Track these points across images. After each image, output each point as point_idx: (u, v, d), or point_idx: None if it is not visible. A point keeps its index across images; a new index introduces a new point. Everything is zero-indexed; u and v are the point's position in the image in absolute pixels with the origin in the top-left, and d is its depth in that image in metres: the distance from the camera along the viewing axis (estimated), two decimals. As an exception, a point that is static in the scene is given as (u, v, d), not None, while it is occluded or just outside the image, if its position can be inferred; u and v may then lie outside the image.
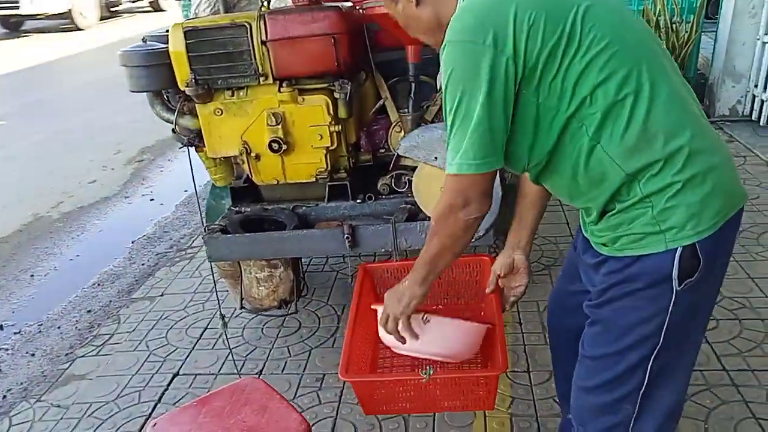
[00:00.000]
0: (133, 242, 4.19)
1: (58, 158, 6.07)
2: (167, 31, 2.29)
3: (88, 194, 5.10)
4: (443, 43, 1.24)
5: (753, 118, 4.94)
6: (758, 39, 4.78)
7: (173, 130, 2.43)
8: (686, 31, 4.90)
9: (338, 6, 2.24)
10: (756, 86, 4.86)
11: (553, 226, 3.67)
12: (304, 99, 2.27)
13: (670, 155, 1.21)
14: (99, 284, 3.69)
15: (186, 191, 4.85)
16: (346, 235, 2.15)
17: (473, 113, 1.20)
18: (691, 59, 5.18)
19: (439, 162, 1.89)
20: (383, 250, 2.20)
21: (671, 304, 1.25)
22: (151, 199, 4.96)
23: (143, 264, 3.87)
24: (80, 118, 7.32)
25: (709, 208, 1.23)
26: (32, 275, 3.91)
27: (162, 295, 3.38)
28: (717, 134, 1.34)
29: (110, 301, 3.45)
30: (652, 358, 1.30)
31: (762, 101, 4.81)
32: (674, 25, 4.90)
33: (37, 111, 7.89)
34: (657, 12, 4.89)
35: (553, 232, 3.60)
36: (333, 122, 2.26)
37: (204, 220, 2.55)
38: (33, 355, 3.05)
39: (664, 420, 1.38)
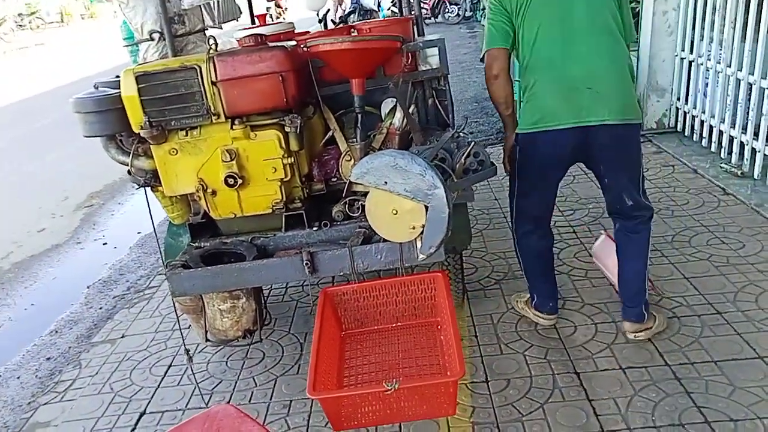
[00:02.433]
0: (88, 287, 4.17)
1: (5, 207, 5.97)
2: (117, 76, 2.37)
3: (38, 242, 5.05)
4: None
5: (678, 129, 5.27)
6: (676, 55, 5.12)
7: (129, 172, 2.49)
8: (611, 52, 5.20)
9: (283, 45, 2.36)
10: (678, 99, 5.19)
11: (502, 242, 3.83)
12: (256, 135, 2.36)
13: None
14: (57, 331, 3.66)
15: (139, 233, 4.85)
16: (305, 262, 2.24)
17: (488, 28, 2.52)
18: (618, 77, 5.47)
19: (389, 186, 2.01)
20: (341, 273, 2.30)
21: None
22: (104, 243, 4.94)
23: (101, 308, 3.85)
24: (22, 168, 7.21)
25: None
26: (-14, 327, 3.85)
27: (123, 337, 3.39)
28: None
29: (70, 347, 3.43)
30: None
31: (685, 113, 5.14)
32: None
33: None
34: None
35: (502, 248, 3.76)
36: (285, 155, 2.37)
37: (163, 259, 2.60)
38: (-7, 407, 3.02)
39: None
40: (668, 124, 5.37)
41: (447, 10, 15.74)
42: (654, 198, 4.14)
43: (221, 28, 3.56)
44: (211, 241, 2.52)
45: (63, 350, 3.41)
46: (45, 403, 2.90)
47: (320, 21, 3.90)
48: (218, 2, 3.31)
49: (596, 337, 2.82)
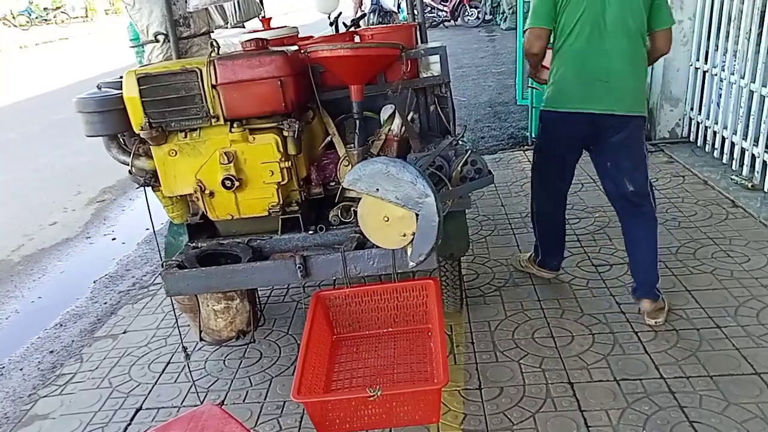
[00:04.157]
0: (95, 282, 4.23)
1: (19, 201, 6.07)
2: (120, 77, 2.40)
3: (49, 236, 5.12)
4: None
5: (691, 139, 5.22)
6: (691, 65, 5.08)
7: (130, 172, 2.53)
8: (624, 60, 5.16)
9: (284, 50, 2.38)
10: (692, 109, 5.14)
11: (505, 249, 3.83)
12: (254, 138, 2.39)
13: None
14: (61, 325, 3.72)
15: (147, 229, 4.90)
16: (298, 265, 2.25)
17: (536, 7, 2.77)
18: (631, 85, 5.44)
19: (380, 193, 2.02)
20: (334, 278, 2.31)
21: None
22: (113, 239, 5.00)
23: (105, 303, 3.90)
24: (39, 161, 7.32)
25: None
26: (-7, 319, 3.92)
27: (125, 333, 3.43)
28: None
29: (73, 340, 3.48)
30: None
31: (698, 124, 5.09)
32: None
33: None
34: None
35: (505, 255, 3.76)
36: (283, 159, 2.39)
37: (162, 257, 2.63)
38: (-5, 398, 3.07)
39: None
40: (681, 134, 5.32)
41: (467, 14, 15.70)
42: (662, 209, 4.10)
43: (243, 27, 3.60)
44: (209, 242, 2.55)
45: (66, 344, 3.46)
46: (45, 396, 2.95)
47: (331, 24, 3.91)
48: (237, 1, 3.35)
49: (593, 347, 2.80)
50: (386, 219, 2.06)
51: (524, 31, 2.91)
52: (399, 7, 16.44)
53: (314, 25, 3.85)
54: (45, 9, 25.81)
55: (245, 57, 2.33)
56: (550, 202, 3.20)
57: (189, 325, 2.99)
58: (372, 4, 15.78)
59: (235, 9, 3.18)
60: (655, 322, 2.90)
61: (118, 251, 4.72)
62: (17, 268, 4.60)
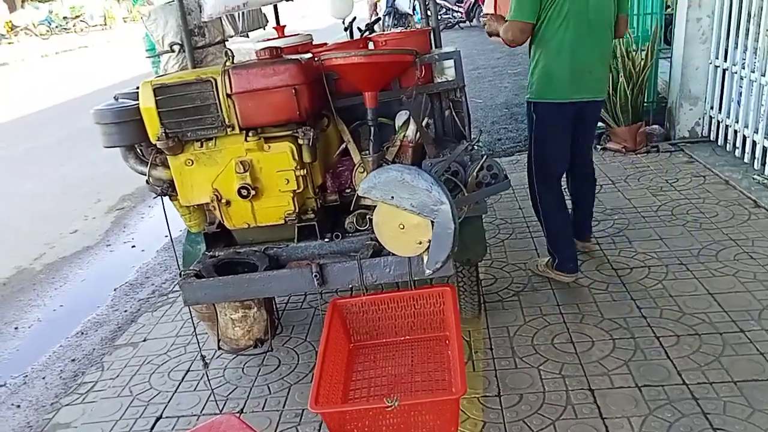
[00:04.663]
0: (115, 289, 4.27)
1: (40, 209, 6.16)
2: (137, 88, 2.42)
3: (70, 244, 5.18)
4: None
5: (711, 138, 5.14)
6: (710, 63, 5.01)
7: (147, 182, 2.54)
8: (642, 59, 5.11)
9: (298, 58, 2.38)
10: (712, 108, 5.07)
11: (523, 252, 3.80)
12: (270, 146, 2.40)
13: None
14: (83, 333, 3.75)
15: (166, 236, 4.92)
16: (314, 274, 2.25)
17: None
18: (648, 85, 5.39)
19: (395, 201, 2.01)
20: (350, 285, 2.31)
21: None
22: (133, 246, 5.05)
23: (126, 311, 3.94)
24: (60, 169, 7.42)
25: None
26: (16, 328, 3.97)
27: (145, 340, 3.46)
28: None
29: (94, 349, 3.51)
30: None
31: (718, 122, 5.01)
32: (630, 54, 5.11)
33: (10, 164, 7.98)
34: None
35: (523, 258, 3.73)
36: (298, 167, 2.39)
37: (180, 266, 2.65)
38: (18, 406, 3.10)
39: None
40: (701, 133, 5.25)
41: (482, 14, 15.65)
42: (682, 210, 4.06)
43: (247, 36, 3.61)
44: (225, 251, 2.56)
45: (87, 352, 3.49)
46: (67, 404, 2.98)
47: (346, 29, 3.92)
48: (242, 12, 3.36)
49: (613, 353, 2.77)
50: (402, 227, 2.05)
51: (506, 23, 2.97)
52: (414, 9, 16.44)
53: (330, 29, 3.87)
54: (64, 18, 26.17)
55: (259, 66, 2.34)
56: (555, 196, 3.29)
57: (207, 334, 3.00)
58: (387, 6, 15.81)
59: (240, 18, 3.19)
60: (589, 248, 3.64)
61: (137, 258, 4.76)
62: (39, 277, 4.66)
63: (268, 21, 3.79)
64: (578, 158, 3.35)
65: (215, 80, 2.34)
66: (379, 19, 4.55)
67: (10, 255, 5.10)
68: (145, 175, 2.51)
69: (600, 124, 5.53)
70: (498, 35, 3.11)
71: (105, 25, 27.65)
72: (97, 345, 3.55)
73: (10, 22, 24.60)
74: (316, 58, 2.48)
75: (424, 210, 1.99)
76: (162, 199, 2.56)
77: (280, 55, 2.47)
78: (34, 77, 16.84)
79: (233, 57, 2.44)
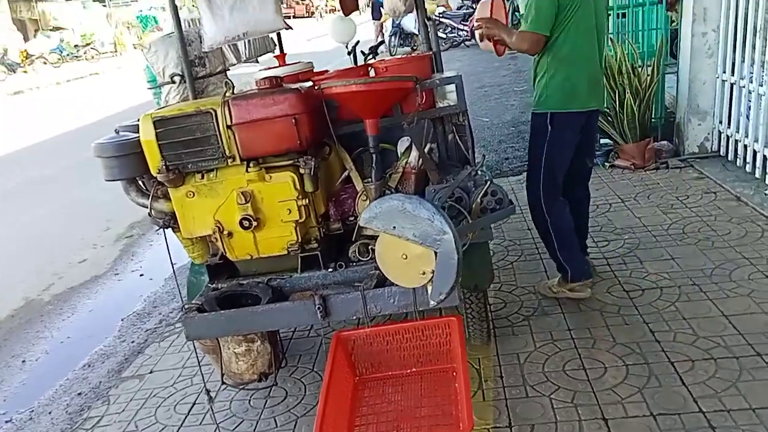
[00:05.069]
0: (123, 320, 4.24)
1: (49, 238, 6.17)
2: (138, 120, 2.41)
3: (78, 274, 5.18)
4: None
5: (721, 153, 5.07)
6: (717, 77, 4.96)
7: (149, 214, 2.53)
8: (648, 75, 5.08)
9: (298, 87, 2.36)
10: (721, 123, 5.01)
11: (533, 275, 3.74)
12: (271, 177, 2.37)
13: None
14: (89, 365, 3.72)
15: (175, 263, 4.91)
16: (317, 306, 2.21)
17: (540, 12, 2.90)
18: (656, 100, 5.34)
19: (397, 231, 1.98)
20: (354, 317, 2.27)
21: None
22: (141, 275, 5.03)
23: (133, 341, 3.91)
24: (70, 197, 7.45)
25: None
26: (23, 361, 3.95)
27: (151, 372, 3.42)
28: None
29: (100, 382, 3.48)
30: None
31: (728, 137, 4.95)
32: (636, 69, 5.07)
33: (24, 191, 8.03)
34: (617, 58, 5.07)
35: (533, 281, 3.67)
36: (300, 196, 2.37)
37: (183, 298, 2.62)
38: (24, 443, 3.07)
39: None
40: (710, 149, 5.19)
41: (471, 18, 15.69)
42: (693, 228, 3.99)
43: (257, 62, 3.61)
44: (228, 283, 2.53)
45: (94, 385, 3.46)
46: (72, 440, 2.94)
47: (349, 53, 3.91)
48: (248, 39, 3.36)
49: (627, 380, 2.70)
50: (404, 257, 2.02)
51: (521, 32, 2.99)
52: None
53: (336, 51, 3.90)
54: (75, 46, 26.55)
55: (259, 96, 2.33)
56: (563, 205, 3.29)
57: (213, 366, 2.96)
58: (393, 27, 15.89)
59: (245, 45, 3.19)
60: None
61: (145, 287, 4.74)
62: (47, 308, 4.65)
63: (276, 45, 3.80)
64: (578, 168, 3.37)
65: (215, 111, 2.32)
66: (382, 42, 4.54)
67: (18, 286, 5.10)
68: (147, 207, 2.49)
69: (607, 140, 5.49)
70: (495, 41, 3.13)
71: (115, 51, 28.00)
72: (104, 377, 3.52)
73: (25, 51, 25.00)
74: (316, 86, 2.46)
75: (426, 240, 1.95)
76: (164, 231, 2.54)
77: (280, 85, 2.46)
78: (46, 105, 17.03)
79: (233, 87, 2.43)
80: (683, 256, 3.67)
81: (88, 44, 26.81)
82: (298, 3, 40.46)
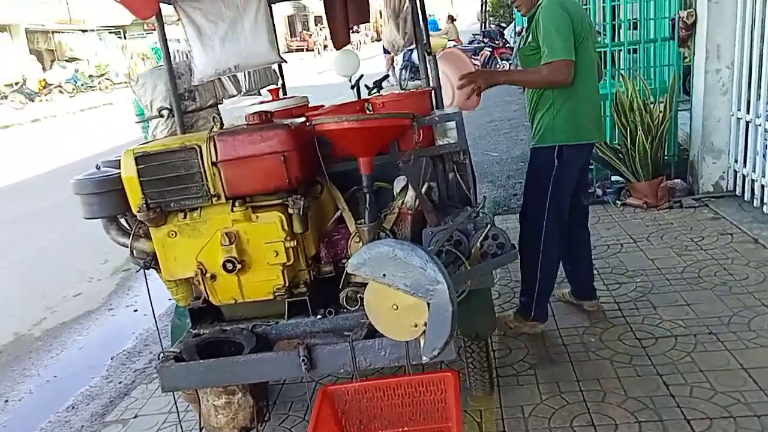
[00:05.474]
0: (112, 358, 4.09)
1: (46, 271, 6.05)
2: (120, 156, 2.29)
3: (72, 308, 5.04)
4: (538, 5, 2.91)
5: (737, 193, 4.89)
6: (732, 115, 4.81)
7: (130, 254, 2.40)
8: (660, 111, 4.94)
9: (288, 123, 2.24)
10: (736, 162, 4.85)
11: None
12: (257, 216, 2.24)
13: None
14: (73, 407, 3.56)
15: (170, 299, 4.76)
16: (301, 358, 2.05)
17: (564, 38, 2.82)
18: (668, 137, 5.20)
19: (387, 280, 1.82)
20: (342, 370, 2.10)
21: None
22: (135, 310, 4.89)
23: (120, 382, 3.75)
24: (70, 227, 7.34)
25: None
26: (6, 401, 3.79)
27: (135, 417, 3.25)
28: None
29: (83, 425, 3.31)
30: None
31: (744, 176, 4.78)
32: (648, 106, 4.93)
33: (28, 221, 7.96)
34: (629, 95, 4.94)
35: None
36: (288, 238, 2.23)
37: (162, 342, 2.46)
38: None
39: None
40: (726, 188, 5.01)
41: (498, 66, 15.70)
42: (709, 272, 3.80)
43: (259, 94, 3.52)
44: (211, 328, 2.37)
45: (75, 429, 3.29)
46: (46, 492, 2.77)
47: (353, 87, 3.81)
48: (252, 70, 3.27)
49: (639, 438, 2.50)
50: (395, 307, 1.86)
51: (549, 63, 2.82)
52: (430, 62, 16.56)
53: (345, 84, 3.86)
54: (90, 76, 26.87)
55: (246, 132, 2.21)
56: (559, 248, 3.22)
57: (195, 415, 2.79)
58: (404, 60, 15.92)
59: (245, 77, 3.09)
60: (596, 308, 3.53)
61: (139, 324, 4.59)
62: (37, 344, 4.50)
63: (279, 77, 3.71)
64: (574, 207, 3.25)
65: (200, 147, 2.20)
66: (387, 76, 4.45)
67: (10, 320, 4.96)
68: (128, 247, 2.36)
69: (619, 178, 5.34)
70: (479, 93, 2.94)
71: (129, 82, 28.30)
72: (87, 421, 3.35)
73: (44, 80, 25.36)
74: (308, 122, 2.33)
75: (418, 290, 1.80)
76: (144, 273, 2.40)
77: (270, 120, 2.34)
78: (60, 133, 17.13)
79: (221, 122, 2.31)
80: (699, 302, 3.48)
81: (102, 75, 27.12)
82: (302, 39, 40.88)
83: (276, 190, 2.23)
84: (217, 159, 2.20)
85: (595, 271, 4.04)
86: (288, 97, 2.93)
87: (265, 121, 2.30)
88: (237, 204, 2.23)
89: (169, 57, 2.53)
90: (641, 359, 3.03)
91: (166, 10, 2.60)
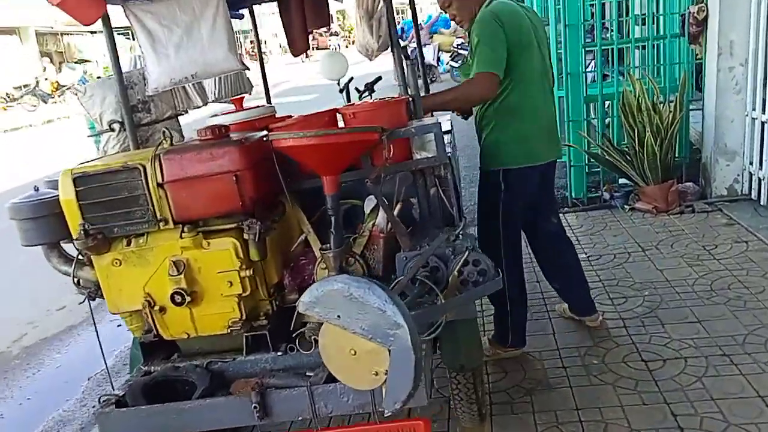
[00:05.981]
0: (89, 379, 3.90)
1: (33, 282, 5.86)
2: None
3: (54, 323, 4.85)
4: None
5: (752, 197, 4.60)
6: (746, 115, 4.52)
7: (74, 283, 2.18)
8: (670, 111, 4.65)
9: (241, 139, 2.01)
10: (752, 164, 4.56)
11: (540, 338, 3.30)
12: (209, 243, 2.02)
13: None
14: (43, 434, 3.37)
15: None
16: (253, 405, 1.82)
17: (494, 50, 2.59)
18: (679, 139, 4.91)
19: (342, 322, 1.59)
20: (300, 418, 1.88)
21: None
22: (119, 325, 4.66)
23: (94, 406, 3.54)
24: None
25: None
26: (-25, 427, 3.61)
27: (104, 448, 3.04)
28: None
29: (49, 456, 3.12)
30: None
31: (759, 179, 4.48)
32: (657, 106, 4.65)
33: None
34: (636, 95, 4.66)
35: (539, 345, 3.24)
36: (243, 266, 2.01)
37: (111, 381, 2.25)
38: None
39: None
40: (741, 191, 4.72)
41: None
42: (723, 284, 3.53)
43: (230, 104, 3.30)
44: (162, 365, 2.15)
45: (42, 460, 3.10)
46: None
47: (341, 91, 3.57)
48: (221, 78, 3.05)
49: (643, 479, 2.25)
50: (353, 352, 1.62)
51: (471, 78, 2.63)
52: (439, 60, 16.23)
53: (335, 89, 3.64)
54: (98, 78, 26.93)
55: (195, 149, 1.98)
56: (520, 273, 3.08)
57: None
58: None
59: (215, 85, 2.87)
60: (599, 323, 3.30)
61: (120, 340, 4.38)
62: (14, 363, 4.32)
63: (252, 86, 3.49)
64: (543, 222, 3.14)
65: (144, 167, 1.98)
66: (379, 78, 4.20)
67: (-9, 336, 4.79)
68: (70, 276, 2.14)
69: (627, 181, 5.07)
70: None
71: (138, 83, 28.25)
72: (54, 451, 3.16)
73: (56, 82, 25.43)
74: (266, 137, 2.10)
75: (377, 335, 1.56)
76: (90, 304, 2.18)
77: (225, 135, 2.11)
78: (72, 134, 17.07)
79: (172, 138, 2.08)
80: (711, 319, 3.21)
81: (110, 76, 27.13)
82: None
83: (229, 214, 2.01)
84: (163, 180, 1.98)
85: (599, 284, 3.80)
86: (251, 108, 2.69)
87: (219, 137, 2.07)
88: (186, 229, 2.01)
89: (119, 65, 2.31)
90: (647, 384, 2.78)
91: (116, 13, 2.38)
